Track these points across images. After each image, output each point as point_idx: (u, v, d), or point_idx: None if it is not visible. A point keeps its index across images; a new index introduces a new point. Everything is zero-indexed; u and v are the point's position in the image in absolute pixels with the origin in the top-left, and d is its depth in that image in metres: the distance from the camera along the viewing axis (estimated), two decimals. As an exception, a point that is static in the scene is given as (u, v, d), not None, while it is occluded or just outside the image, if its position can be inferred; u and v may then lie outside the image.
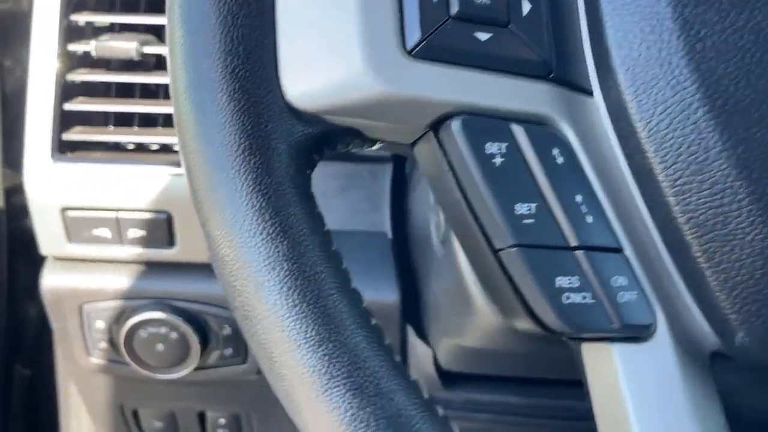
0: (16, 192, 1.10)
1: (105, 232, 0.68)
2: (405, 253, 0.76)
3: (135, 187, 0.67)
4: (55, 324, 0.74)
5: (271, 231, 0.31)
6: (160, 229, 0.68)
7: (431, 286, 0.68)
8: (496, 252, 0.33)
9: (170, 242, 0.69)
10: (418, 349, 0.75)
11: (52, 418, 1.21)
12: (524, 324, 0.35)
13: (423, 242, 0.71)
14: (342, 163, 0.79)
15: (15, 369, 1.22)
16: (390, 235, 0.79)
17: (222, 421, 0.87)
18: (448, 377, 0.78)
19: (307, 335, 0.30)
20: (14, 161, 0.84)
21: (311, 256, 0.31)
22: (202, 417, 0.87)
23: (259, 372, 0.77)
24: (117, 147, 0.68)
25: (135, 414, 0.86)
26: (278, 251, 0.31)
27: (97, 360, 0.75)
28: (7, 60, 0.91)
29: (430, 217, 0.65)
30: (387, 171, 0.79)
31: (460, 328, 0.61)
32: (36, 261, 1.24)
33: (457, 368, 0.73)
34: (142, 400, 0.82)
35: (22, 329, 1.22)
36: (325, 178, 0.79)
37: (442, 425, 0.32)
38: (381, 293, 0.72)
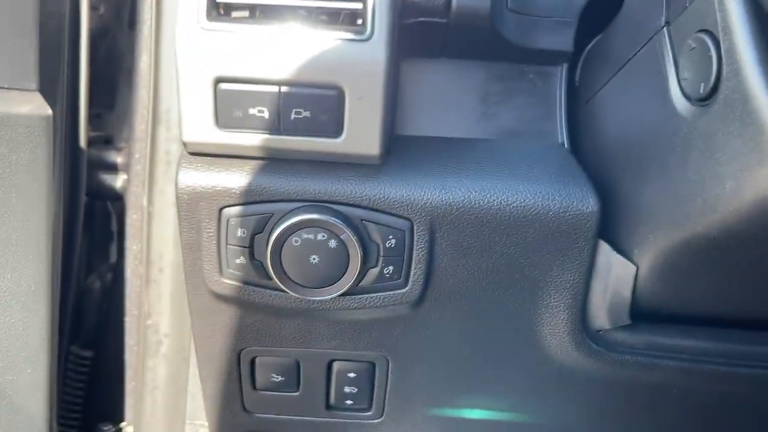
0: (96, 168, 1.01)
1: (261, 113, 0.57)
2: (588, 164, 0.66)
3: (299, 57, 0.56)
4: (184, 235, 0.62)
5: None
6: (327, 109, 0.57)
7: (650, 185, 0.57)
8: None
9: (337, 129, 0.58)
10: (614, 270, 0.63)
11: (114, 401, 1.07)
12: None
13: (628, 147, 0.61)
14: (506, 63, 0.69)
15: (72, 350, 1.09)
16: (567, 144, 0.68)
17: (351, 375, 0.75)
18: (636, 312, 0.66)
19: None
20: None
21: None
22: (328, 370, 0.74)
23: (418, 301, 0.65)
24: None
25: (252, 366, 0.73)
26: None
27: (229, 281, 0.63)
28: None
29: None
30: (558, 74, 0.70)
31: (706, 207, 0.50)
32: (108, 234, 1.14)
33: (659, 287, 0.62)
34: (268, 341, 0.69)
35: (85, 307, 1.10)
36: (488, 79, 0.69)
37: None
38: (576, 203, 0.61)
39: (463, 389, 0.73)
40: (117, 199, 1.04)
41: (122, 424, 1.05)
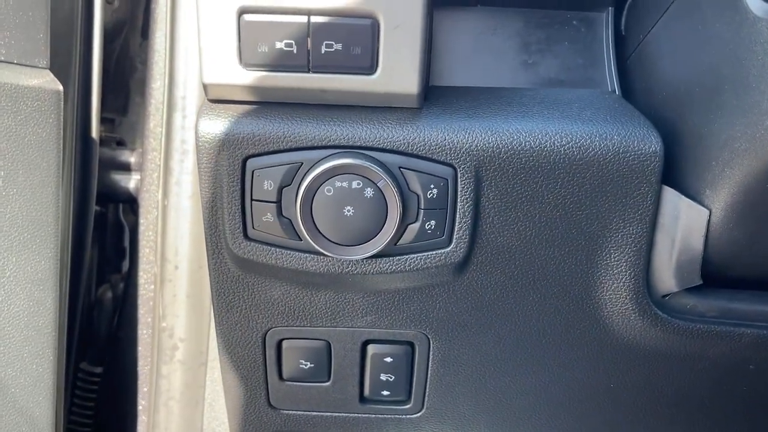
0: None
1: (289, 47, 0.52)
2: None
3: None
4: (204, 192, 0.56)
5: None
6: (361, 40, 0.52)
7: (725, 113, 0.51)
8: None
9: (371, 64, 0.53)
10: (682, 219, 0.57)
11: (125, 420, 1.00)
12: None
13: (693, 80, 0.56)
14: (546, 10, 0.64)
15: (81, 366, 1.03)
16: (618, 91, 0.63)
17: (388, 360, 0.67)
18: (708, 273, 0.59)
19: None
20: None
21: None
22: (362, 355, 0.67)
23: (463, 263, 0.59)
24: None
25: (278, 351, 0.66)
26: None
27: (254, 245, 0.57)
28: None
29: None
30: (603, 19, 0.65)
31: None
32: (119, 248, 1.08)
33: (736, 234, 0.55)
34: (296, 319, 0.62)
35: (95, 319, 1.04)
36: (527, 27, 0.64)
37: None
38: (637, 143, 0.55)
39: (514, 371, 0.66)
40: (130, 201, 0.99)
41: (134, 444, 0.97)
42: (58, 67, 0.72)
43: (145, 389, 0.95)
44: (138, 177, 0.98)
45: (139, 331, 0.96)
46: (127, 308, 1.00)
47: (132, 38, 1.06)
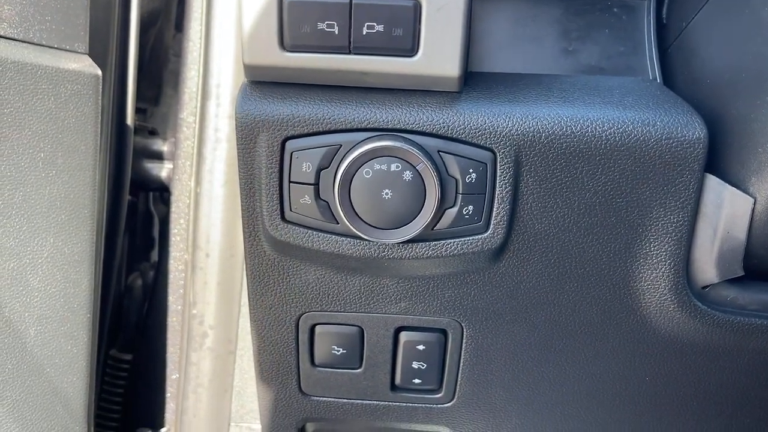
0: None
1: (331, 28, 0.52)
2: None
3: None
4: (242, 173, 0.57)
5: None
6: (403, 22, 0.52)
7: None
8: None
9: (413, 47, 0.53)
10: (725, 208, 0.56)
11: (154, 406, 1.00)
12: None
13: (740, 66, 0.55)
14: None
15: (110, 354, 1.03)
16: (660, 79, 0.62)
17: (420, 348, 0.67)
18: (750, 265, 0.58)
19: None
20: None
21: None
22: (394, 342, 0.67)
23: (500, 249, 0.58)
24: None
25: (311, 335, 0.66)
26: None
27: (291, 228, 0.57)
28: None
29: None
30: (644, 7, 0.64)
31: None
32: (149, 237, 1.09)
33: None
34: (331, 304, 0.62)
35: (126, 307, 1.05)
36: (567, 14, 0.64)
37: None
38: (681, 129, 0.54)
39: (548, 361, 0.65)
40: (162, 189, 1.00)
41: (162, 430, 0.97)
42: (96, 53, 0.73)
43: (174, 377, 0.95)
44: (170, 166, 0.99)
45: (169, 319, 0.96)
46: (156, 296, 1.01)
47: (166, 29, 1.07)
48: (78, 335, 0.72)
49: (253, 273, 0.62)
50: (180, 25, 0.98)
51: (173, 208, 0.95)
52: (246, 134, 0.55)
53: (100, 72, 0.69)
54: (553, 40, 0.63)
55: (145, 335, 1.02)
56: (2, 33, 0.65)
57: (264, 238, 0.59)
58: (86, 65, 0.70)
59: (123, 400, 1.01)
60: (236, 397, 0.90)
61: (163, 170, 0.98)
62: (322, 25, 0.52)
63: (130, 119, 0.87)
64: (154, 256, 1.08)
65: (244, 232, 0.59)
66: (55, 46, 0.69)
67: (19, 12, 0.65)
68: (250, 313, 0.65)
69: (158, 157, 0.99)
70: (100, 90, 0.70)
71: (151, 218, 1.10)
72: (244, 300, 0.90)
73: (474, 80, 0.59)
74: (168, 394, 0.97)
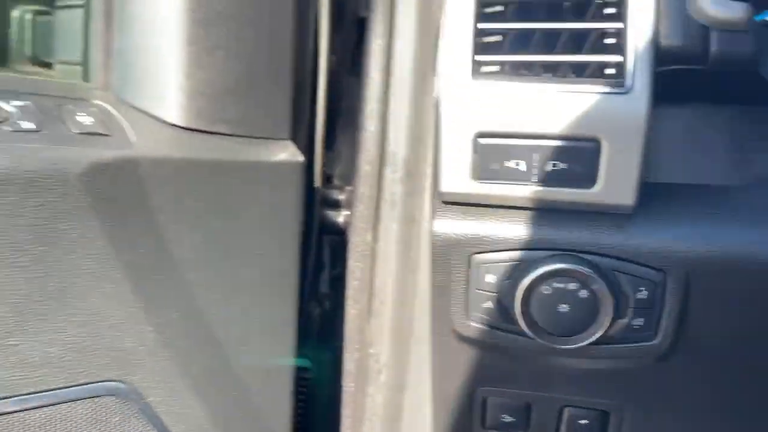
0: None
1: (518, 165, 0.59)
2: None
3: (558, 111, 0.58)
4: (435, 278, 0.66)
5: None
6: (584, 161, 0.58)
7: None
8: None
9: (591, 179, 0.59)
10: None
11: (329, 425, 1.14)
12: None
13: None
14: (764, 106, 0.66)
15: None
16: None
17: (583, 422, 0.74)
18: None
19: None
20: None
21: None
22: (559, 414, 0.74)
23: (667, 353, 0.63)
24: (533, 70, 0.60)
25: (483, 405, 0.75)
26: None
27: (476, 324, 0.66)
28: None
29: None
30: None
31: None
32: (320, 264, 1.22)
33: None
34: (504, 383, 0.71)
35: (304, 330, 1.18)
36: (741, 124, 0.66)
37: None
38: None
39: (707, 447, 0.70)
40: (339, 233, 1.11)
41: (337, 449, 1.11)
42: (295, 134, 0.83)
43: (348, 404, 1.08)
44: (347, 212, 1.10)
45: (344, 353, 1.09)
46: (333, 326, 1.14)
47: (342, 78, 1.17)
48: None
49: (438, 353, 0.71)
50: (355, 69, 1.07)
51: (350, 254, 1.06)
52: (440, 248, 0.64)
53: (302, 159, 0.80)
54: (727, 149, 0.66)
55: (320, 359, 1.15)
56: (226, 131, 0.77)
57: (450, 331, 0.68)
58: (291, 154, 0.80)
59: (301, 419, 1.15)
60: (405, 429, 1.01)
61: (339, 216, 1.10)
62: (510, 163, 0.59)
63: (318, 179, 0.99)
64: (324, 285, 1.20)
65: (432, 324, 0.69)
66: (264, 136, 0.80)
67: (239, 110, 0.75)
68: (432, 383, 0.75)
69: (335, 205, 1.10)
70: (303, 176, 0.81)
71: (321, 248, 1.22)
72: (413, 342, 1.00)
73: (647, 193, 0.64)
74: (343, 415, 1.10)
